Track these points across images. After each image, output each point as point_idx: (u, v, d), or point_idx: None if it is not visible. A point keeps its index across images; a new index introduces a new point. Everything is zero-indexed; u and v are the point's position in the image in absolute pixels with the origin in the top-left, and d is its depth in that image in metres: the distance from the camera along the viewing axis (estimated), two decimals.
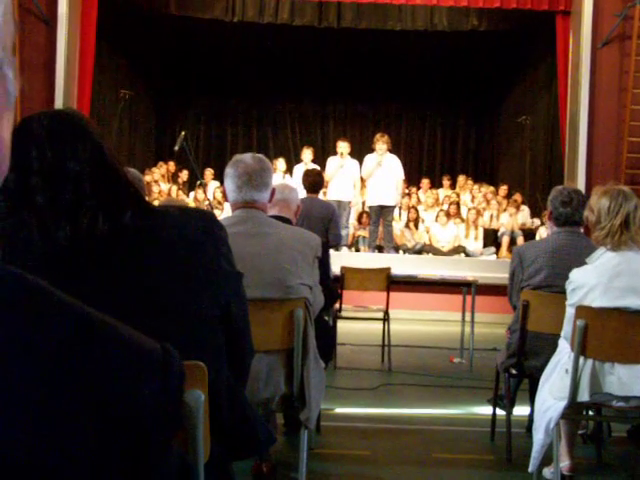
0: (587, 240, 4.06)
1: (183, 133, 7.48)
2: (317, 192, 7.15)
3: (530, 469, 3.66)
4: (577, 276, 3.51)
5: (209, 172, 13.68)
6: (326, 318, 5.14)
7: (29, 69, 9.61)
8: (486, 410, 5.03)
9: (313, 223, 6.39)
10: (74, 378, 0.74)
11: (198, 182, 11.21)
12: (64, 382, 0.73)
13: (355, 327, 8.04)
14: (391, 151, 11.10)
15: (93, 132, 1.61)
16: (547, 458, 3.70)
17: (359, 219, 12.39)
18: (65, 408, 0.73)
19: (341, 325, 7.02)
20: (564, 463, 3.75)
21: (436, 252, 11.84)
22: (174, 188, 13.00)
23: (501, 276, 7.87)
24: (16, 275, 0.80)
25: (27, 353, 0.73)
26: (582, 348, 3.42)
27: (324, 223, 6.75)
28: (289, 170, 12.62)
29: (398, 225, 12.30)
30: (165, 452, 0.86)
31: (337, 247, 9.16)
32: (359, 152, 12.23)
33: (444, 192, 13.99)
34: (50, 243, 1.47)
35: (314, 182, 7.02)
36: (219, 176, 12.79)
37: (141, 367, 0.81)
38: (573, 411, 3.56)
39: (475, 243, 12.17)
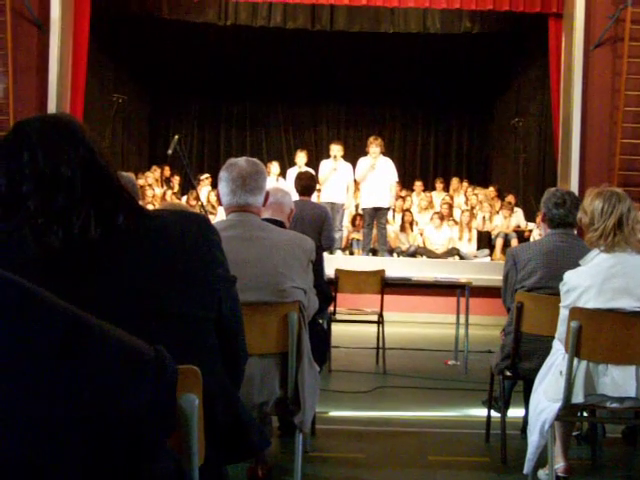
0: (581, 242, 4.07)
1: (176, 137, 7.46)
2: (310, 195, 7.14)
3: (525, 471, 3.66)
4: (571, 278, 3.51)
5: (203, 176, 13.66)
6: (320, 321, 5.13)
7: (22, 73, 9.59)
8: (481, 412, 5.03)
9: (306, 226, 6.38)
10: (67, 380, 0.74)
11: (197, 179, 11.13)
12: (57, 384, 0.73)
13: (349, 330, 8.04)
14: (384, 154, 11.11)
15: (85, 136, 1.61)
16: (542, 460, 3.70)
17: (353, 222, 12.39)
18: (58, 410, 0.73)
19: (335, 328, 7.02)
20: (559, 465, 3.75)
21: (430, 254, 11.85)
22: (168, 192, 12.99)
23: (495, 278, 7.88)
24: (10, 280, 0.80)
25: (21, 356, 0.73)
26: (576, 350, 3.42)
27: (317, 226, 6.74)
28: (283, 173, 12.61)
29: (392, 228, 12.31)
30: (159, 454, 0.86)
31: (330, 250, 9.16)
32: (352, 155, 12.23)
33: (437, 195, 13.99)
34: (43, 248, 1.46)
35: (306, 185, 7.02)
36: (213, 180, 12.78)
37: (134, 370, 0.81)
38: (567, 413, 3.56)
39: (469, 245, 12.18)
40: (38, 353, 0.76)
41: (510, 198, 13.08)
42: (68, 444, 0.75)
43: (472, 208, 13.02)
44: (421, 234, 12.47)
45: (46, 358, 0.76)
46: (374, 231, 11.33)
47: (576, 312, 3.42)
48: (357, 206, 12.23)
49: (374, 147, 10.75)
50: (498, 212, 12.79)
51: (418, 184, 14.26)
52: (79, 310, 0.84)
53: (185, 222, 1.70)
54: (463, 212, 12.62)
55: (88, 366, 0.78)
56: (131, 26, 13.77)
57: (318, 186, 11.00)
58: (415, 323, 9.98)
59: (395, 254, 11.87)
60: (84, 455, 0.77)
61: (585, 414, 4.07)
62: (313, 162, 12.47)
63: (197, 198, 11.58)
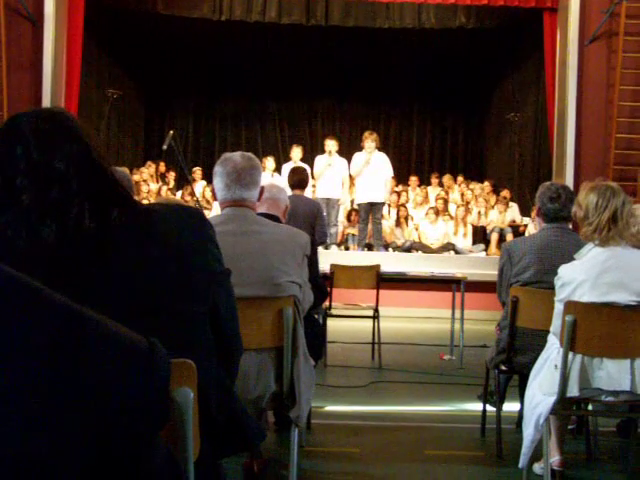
0: (575, 236, 4.07)
1: (171, 132, 7.45)
2: (303, 189, 7.12)
3: (520, 465, 3.67)
4: (566, 272, 3.52)
5: (198, 171, 13.64)
6: (316, 316, 5.13)
7: (16, 69, 9.57)
8: (476, 406, 5.05)
9: (299, 221, 6.37)
10: (62, 372, 0.74)
11: (192, 175, 11.10)
12: (52, 376, 0.73)
13: (345, 325, 8.05)
14: (380, 149, 11.11)
15: (80, 131, 1.60)
16: (537, 453, 3.71)
17: (348, 217, 12.39)
18: (52, 402, 0.73)
19: (331, 323, 7.02)
20: (554, 458, 3.76)
21: (425, 249, 11.86)
22: (163, 188, 12.97)
23: (490, 273, 7.90)
24: (5, 273, 0.80)
25: (16, 349, 0.73)
26: (571, 343, 3.43)
27: (310, 221, 6.73)
28: (278, 169, 12.60)
29: (387, 223, 12.31)
30: (152, 446, 0.86)
31: (324, 245, 9.16)
32: (348, 150, 12.23)
33: (433, 190, 14.00)
34: (37, 242, 1.46)
35: (299, 179, 7.00)
36: (208, 175, 12.76)
37: (127, 362, 0.81)
38: (562, 406, 3.57)
39: (464, 240, 12.19)
40: (34, 345, 0.75)
41: (505, 193, 13.10)
42: (64, 438, 0.75)
43: (467, 203, 13.03)
44: (416, 229, 12.47)
45: (42, 351, 0.76)
46: (369, 226, 11.34)
47: (571, 306, 3.43)
48: (352, 201, 12.23)
49: (369, 142, 10.74)
50: (493, 207, 12.80)
51: (413, 179, 14.26)
52: (75, 303, 0.83)
53: (180, 216, 1.70)
54: (458, 207, 12.63)
55: (82, 357, 0.78)
56: (126, 21, 13.74)
57: (313, 182, 11.00)
58: (411, 318, 9.99)
59: (390, 249, 11.87)
60: (80, 449, 0.77)
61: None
62: (308, 157, 12.46)
63: (192, 193, 11.55)
